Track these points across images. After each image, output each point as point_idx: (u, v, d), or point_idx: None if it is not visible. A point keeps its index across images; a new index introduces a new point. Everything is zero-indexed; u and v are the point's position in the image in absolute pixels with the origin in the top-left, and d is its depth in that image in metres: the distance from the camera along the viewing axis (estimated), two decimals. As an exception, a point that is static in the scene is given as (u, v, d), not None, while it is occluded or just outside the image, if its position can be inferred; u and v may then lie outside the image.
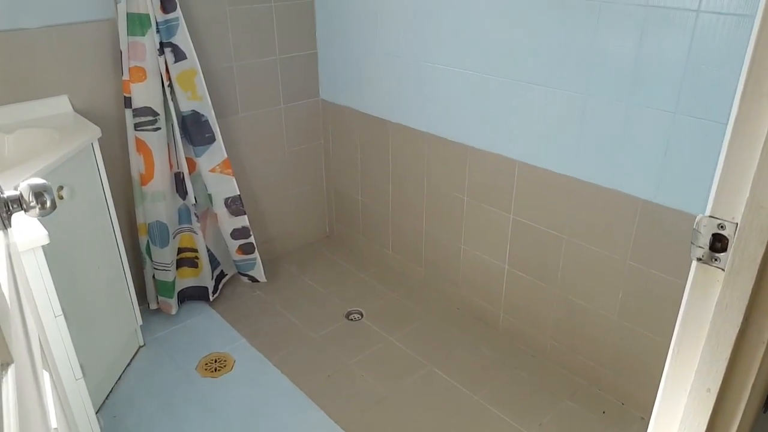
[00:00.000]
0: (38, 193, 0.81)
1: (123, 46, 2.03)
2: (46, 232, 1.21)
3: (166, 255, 2.26)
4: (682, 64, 1.50)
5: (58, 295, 1.31)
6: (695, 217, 1.82)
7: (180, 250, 2.38)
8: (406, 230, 2.58)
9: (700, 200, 1.58)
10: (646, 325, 1.82)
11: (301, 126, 2.73)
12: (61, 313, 1.30)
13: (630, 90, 1.63)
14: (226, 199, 2.38)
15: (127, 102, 2.08)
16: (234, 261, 2.53)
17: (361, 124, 2.57)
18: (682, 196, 1.62)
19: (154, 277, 2.33)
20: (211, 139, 2.27)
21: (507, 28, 1.88)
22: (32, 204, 0.81)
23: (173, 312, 2.37)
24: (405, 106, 2.33)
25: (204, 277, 2.44)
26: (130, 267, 2.14)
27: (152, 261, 2.29)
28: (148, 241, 2.26)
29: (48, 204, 0.81)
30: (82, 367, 1.46)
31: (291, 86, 2.62)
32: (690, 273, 0.73)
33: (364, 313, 2.42)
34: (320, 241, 3.00)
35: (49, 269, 1.29)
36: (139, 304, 2.21)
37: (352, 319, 2.39)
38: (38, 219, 1.20)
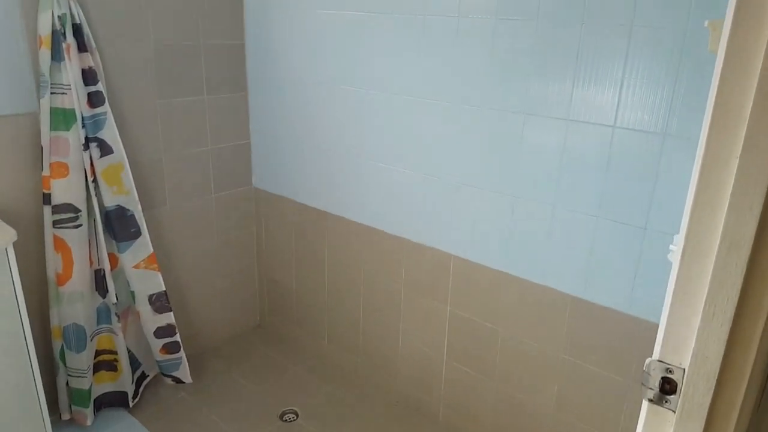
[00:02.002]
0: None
1: (44, 141, 1.93)
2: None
3: (82, 360, 2.09)
4: (602, 173, 1.61)
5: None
6: (621, 314, 1.89)
7: (98, 353, 2.21)
8: (342, 320, 2.53)
9: (624, 298, 1.65)
10: (584, 418, 1.84)
11: (232, 214, 2.67)
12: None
13: (555, 194, 1.72)
14: (151, 296, 2.25)
15: (46, 198, 1.96)
16: (157, 361, 2.37)
17: (296, 213, 2.55)
18: (609, 294, 1.69)
19: (68, 384, 2.13)
20: (137, 234, 2.18)
21: (439, 132, 1.96)
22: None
23: (88, 423, 2.16)
24: (341, 199, 2.35)
25: (123, 381, 2.26)
26: (41, 375, 1.95)
27: (67, 367, 2.10)
28: (62, 345, 2.08)
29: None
30: None
31: (222, 175, 2.58)
32: (641, 412, 0.75)
33: (299, 413, 2.31)
34: (251, 331, 2.89)
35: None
36: (50, 415, 2.00)
37: (286, 420, 2.27)
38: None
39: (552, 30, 1.61)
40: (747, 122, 0.59)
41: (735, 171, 0.60)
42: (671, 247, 1.02)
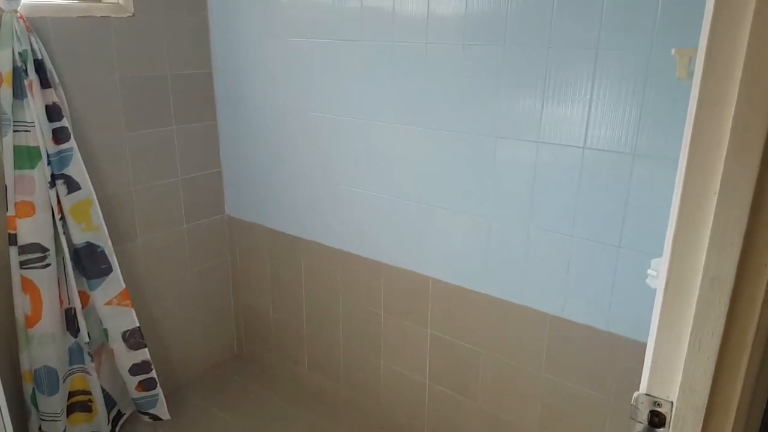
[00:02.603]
0: None
1: (8, 181, 1.88)
2: None
3: (55, 404, 2.02)
4: (575, 193, 1.63)
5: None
6: (599, 331, 1.89)
7: (71, 394, 2.13)
8: (322, 346, 2.50)
9: (602, 315, 1.67)
10: (568, 435, 1.85)
11: (205, 244, 2.63)
12: None
13: (529, 215, 1.74)
14: (124, 333, 2.19)
15: (12, 239, 1.90)
16: (133, 399, 2.30)
17: (271, 240, 2.52)
18: (587, 312, 1.71)
19: (40, 428, 2.05)
20: (108, 270, 2.12)
21: (412, 156, 1.96)
22: None
23: (63, 468, 2.09)
24: (316, 224, 2.33)
25: (99, 422, 2.19)
26: (11, 420, 1.87)
27: (39, 411, 2.03)
28: (33, 389, 2.01)
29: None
30: None
31: (194, 205, 2.54)
32: (632, 445, 0.75)
33: (282, 445, 2.27)
34: (228, 362, 2.83)
35: None
36: (21, 463, 1.93)
37: (269, 453, 2.23)
38: None
39: (519, 54, 1.64)
40: (724, 158, 0.59)
41: (714, 207, 0.61)
42: (649, 271, 1.04)
